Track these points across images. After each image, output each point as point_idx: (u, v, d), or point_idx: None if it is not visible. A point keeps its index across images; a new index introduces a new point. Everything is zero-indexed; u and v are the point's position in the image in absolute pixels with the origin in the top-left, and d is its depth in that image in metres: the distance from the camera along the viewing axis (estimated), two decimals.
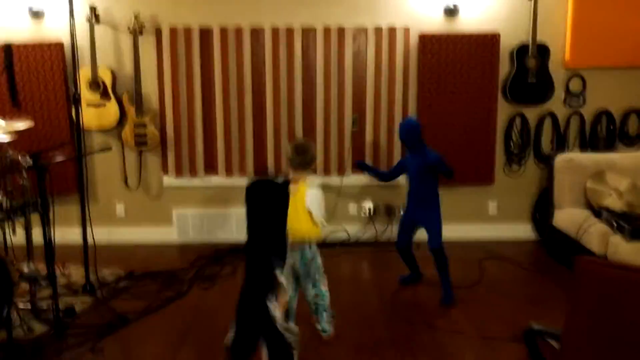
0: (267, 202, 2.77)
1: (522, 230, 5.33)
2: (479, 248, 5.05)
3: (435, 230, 3.94)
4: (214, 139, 5.17)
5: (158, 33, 5.01)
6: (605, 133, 5.15)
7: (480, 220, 5.33)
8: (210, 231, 5.31)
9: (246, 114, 5.12)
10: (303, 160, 3.27)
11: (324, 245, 5.13)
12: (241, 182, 5.13)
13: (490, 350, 3.27)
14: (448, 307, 3.85)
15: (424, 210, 3.99)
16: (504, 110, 5.15)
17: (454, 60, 5.05)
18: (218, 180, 5.24)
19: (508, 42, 5.02)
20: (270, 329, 2.62)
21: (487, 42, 5.02)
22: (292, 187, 2.98)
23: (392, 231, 5.29)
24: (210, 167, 5.22)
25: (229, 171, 5.21)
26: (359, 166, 4.54)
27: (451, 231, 5.25)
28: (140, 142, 5.06)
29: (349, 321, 3.64)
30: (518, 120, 5.17)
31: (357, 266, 4.84)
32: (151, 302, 3.95)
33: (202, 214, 5.27)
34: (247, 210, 2.77)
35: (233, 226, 5.30)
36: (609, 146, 5.14)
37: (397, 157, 5.16)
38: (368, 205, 5.29)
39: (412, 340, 3.41)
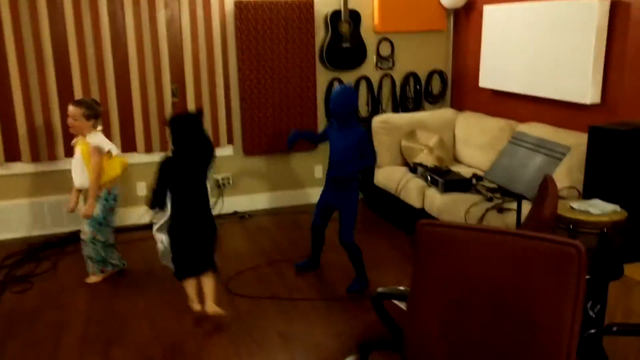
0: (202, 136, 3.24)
1: None
2: (309, 211, 5.17)
3: (349, 222, 3.60)
4: (12, 120, 4.55)
5: None
6: (413, 93, 5.55)
7: (309, 185, 5.47)
8: (19, 225, 4.72)
9: (50, 91, 4.57)
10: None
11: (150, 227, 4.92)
12: (50, 167, 4.68)
13: (333, 312, 3.40)
14: (356, 293, 3.63)
15: (342, 193, 3.63)
16: (322, 75, 5.28)
17: (271, 27, 5.01)
18: (23, 167, 4.66)
19: (322, 9, 5.12)
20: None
21: (302, 8, 5.06)
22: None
23: (222, 204, 5.20)
24: (12, 153, 4.61)
25: (34, 157, 4.64)
26: (292, 141, 3.87)
27: (282, 198, 5.38)
28: None
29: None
30: (336, 85, 5.34)
31: None
32: None
33: (5, 206, 4.66)
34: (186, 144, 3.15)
35: (46, 216, 4.78)
36: (417, 105, 5.56)
37: (222, 127, 5.03)
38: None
39: (257, 313, 3.41)
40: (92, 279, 3.91)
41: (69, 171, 3.95)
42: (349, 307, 3.45)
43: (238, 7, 4.89)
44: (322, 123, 5.38)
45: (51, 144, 4.67)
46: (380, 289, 2.06)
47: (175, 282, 3.44)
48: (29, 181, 4.71)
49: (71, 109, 3.73)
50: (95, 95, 4.66)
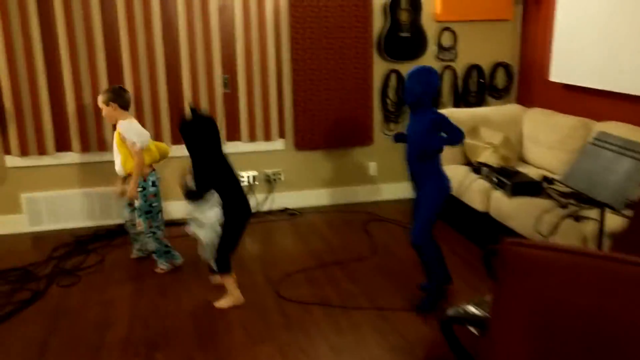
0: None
1: (403, 190, 5.29)
2: (363, 211, 4.95)
3: (421, 219, 3.17)
4: (64, 110, 4.48)
5: None
6: (477, 87, 5.20)
7: (362, 182, 5.21)
8: (68, 216, 4.67)
9: (100, 79, 4.48)
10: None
11: None
12: (100, 157, 4.60)
13: (386, 323, 3.15)
14: (422, 314, 3.22)
15: (421, 187, 3.22)
16: (379, 66, 5.01)
17: (326, 15, 4.77)
18: (73, 157, 4.59)
19: None
20: None
21: None
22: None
23: (273, 200, 5.02)
24: (63, 143, 4.55)
25: (84, 146, 4.57)
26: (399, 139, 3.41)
27: (334, 195, 5.15)
28: None
29: (238, 306, 3.35)
30: (393, 77, 5.06)
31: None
32: (1, 309, 3.35)
33: (56, 197, 4.61)
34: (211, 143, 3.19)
35: (95, 208, 4.71)
36: (480, 100, 5.21)
37: (274, 120, 4.83)
38: (248, 174, 4.93)
39: (306, 320, 3.20)
40: (161, 268, 3.87)
41: None
42: (407, 319, 3.18)
43: None
44: (377, 117, 5.11)
45: (101, 134, 4.58)
46: (450, 311, 1.81)
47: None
48: (78, 172, 4.65)
49: (99, 98, 3.79)
50: (145, 85, 4.55)
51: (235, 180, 3.30)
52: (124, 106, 3.78)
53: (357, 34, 4.86)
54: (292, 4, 4.69)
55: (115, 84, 4.27)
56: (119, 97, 3.74)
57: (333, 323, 3.17)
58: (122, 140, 3.71)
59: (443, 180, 3.20)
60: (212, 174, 3.22)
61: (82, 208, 4.69)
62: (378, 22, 4.91)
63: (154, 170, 3.84)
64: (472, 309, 1.80)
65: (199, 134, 3.20)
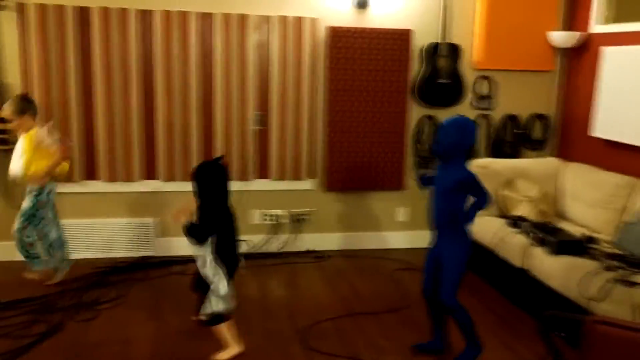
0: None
1: None
2: (391, 258, 4.79)
3: (449, 278, 3.04)
4: (94, 139, 4.42)
5: (21, 10, 4.16)
6: (512, 137, 5.09)
7: (391, 228, 5.07)
8: (88, 246, 4.56)
9: (132, 109, 4.43)
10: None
11: None
12: (125, 187, 4.52)
13: None
14: None
15: (445, 243, 3.08)
16: (414, 111, 4.92)
17: (363, 56, 4.72)
18: (98, 185, 4.51)
19: (419, 40, 4.79)
20: None
21: (399, 39, 4.74)
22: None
23: (299, 241, 4.89)
24: (91, 171, 4.48)
25: (112, 176, 4.49)
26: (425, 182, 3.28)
27: (361, 240, 5.01)
28: (2, 140, 4.21)
29: (261, 352, 3.19)
30: (428, 123, 4.96)
31: (263, 282, 4.34)
32: (17, 341, 3.22)
33: (79, 226, 4.51)
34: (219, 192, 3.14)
35: (116, 238, 4.60)
36: (514, 151, 5.09)
37: (304, 159, 4.74)
38: (275, 212, 4.82)
39: None
40: (28, 275, 4.05)
41: (144, 194, 4.14)
42: None
43: (331, 33, 4.63)
44: (409, 162, 5.00)
45: (129, 165, 4.50)
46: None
47: (242, 318, 3.12)
48: (103, 201, 4.56)
49: (7, 109, 3.82)
50: (177, 118, 4.49)
51: (233, 231, 3.20)
52: (36, 115, 3.87)
53: (394, 78, 4.80)
54: (329, 45, 4.65)
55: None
56: (32, 106, 3.85)
57: None
58: (37, 145, 3.78)
59: (468, 238, 3.07)
60: (217, 221, 3.10)
61: (103, 239, 4.59)
62: (415, 66, 4.85)
63: (54, 181, 3.94)
64: None
65: (211, 180, 3.12)
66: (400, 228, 5.09)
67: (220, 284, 3.04)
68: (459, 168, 2.99)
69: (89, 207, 4.54)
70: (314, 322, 3.60)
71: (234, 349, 3.13)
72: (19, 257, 4.01)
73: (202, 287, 3.14)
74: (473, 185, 2.97)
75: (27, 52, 4.21)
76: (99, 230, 4.58)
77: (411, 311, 3.78)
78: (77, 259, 4.43)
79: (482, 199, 2.99)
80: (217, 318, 3.08)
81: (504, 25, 4.84)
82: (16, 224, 3.89)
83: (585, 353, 1.39)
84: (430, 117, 4.95)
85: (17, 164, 3.86)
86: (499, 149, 5.08)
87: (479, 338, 3.12)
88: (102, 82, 4.35)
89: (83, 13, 4.25)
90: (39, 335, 3.31)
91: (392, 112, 4.85)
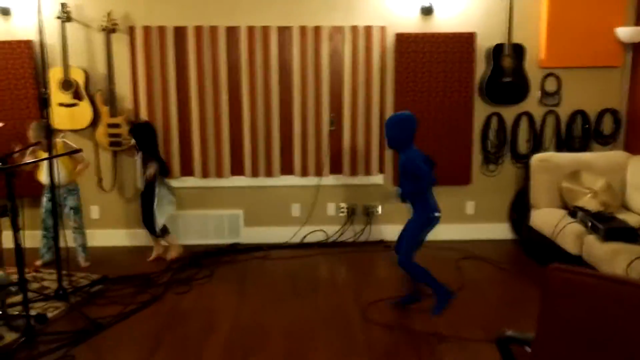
0: None
1: (499, 230, 5.36)
2: (456, 248, 5.06)
3: (405, 243, 3.70)
4: (189, 140, 5.10)
5: (131, 31, 4.92)
6: (581, 133, 5.18)
7: (458, 221, 5.34)
8: (186, 233, 5.24)
9: (222, 113, 5.06)
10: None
11: (302, 246, 5.16)
12: (217, 183, 5.16)
13: (465, 353, 3.27)
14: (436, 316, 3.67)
15: (412, 216, 3.76)
16: (480, 109, 5.17)
17: (430, 59, 5.04)
18: (194, 181, 5.18)
19: (484, 42, 5.04)
20: None
21: (463, 42, 5.02)
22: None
23: (370, 231, 5.29)
24: (186, 168, 5.15)
25: (205, 172, 5.15)
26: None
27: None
28: (114, 142, 4.98)
29: (327, 325, 3.62)
30: (494, 120, 5.19)
31: (334, 267, 4.80)
32: (125, 307, 3.89)
33: (177, 216, 5.20)
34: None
35: (210, 228, 5.24)
36: (584, 145, 5.18)
37: (374, 156, 5.14)
38: (346, 205, 5.26)
39: (389, 343, 3.40)
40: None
41: (233, 188, 4.78)
42: (487, 351, 3.28)
43: (399, 39, 5.01)
44: (477, 158, 5.24)
45: (220, 163, 5.13)
46: (509, 332, 1.96)
47: (313, 297, 3.57)
48: (197, 195, 5.22)
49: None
50: (260, 121, 5.06)
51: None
52: None
53: (460, 78, 5.07)
54: (397, 50, 5.02)
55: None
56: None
57: (414, 348, 3.34)
58: (66, 152, 4.36)
59: (427, 211, 3.63)
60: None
61: (198, 227, 5.25)
62: (481, 67, 5.10)
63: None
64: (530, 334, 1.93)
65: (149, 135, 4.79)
66: (466, 221, 5.34)
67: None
68: (405, 155, 3.59)
69: (186, 200, 5.22)
70: (375, 299, 3.99)
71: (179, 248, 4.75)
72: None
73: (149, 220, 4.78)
74: (411, 168, 3.54)
75: (135, 66, 4.96)
76: (194, 220, 5.24)
77: (466, 293, 4.06)
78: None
79: (421, 180, 3.54)
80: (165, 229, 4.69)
81: (569, 23, 4.96)
82: (77, 224, 4.76)
83: (545, 300, 1.70)
84: (497, 114, 5.17)
85: (60, 171, 4.35)
86: (568, 144, 5.19)
87: (445, 287, 3.70)
88: (196, 90, 5.02)
89: (180, 31, 4.94)
90: (143, 303, 3.97)
91: (459, 110, 5.12)
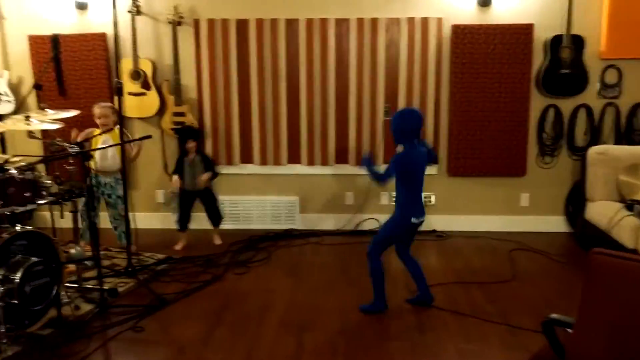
0: None
1: (554, 223, 5.33)
2: (509, 239, 5.08)
3: (377, 235, 3.74)
4: (249, 128, 5.31)
5: (196, 24, 5.17)
6: None
7: (512, 212, 5.34)
8: (246, 218, 5.47)
9: (281, 104, 5.25)
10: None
11: (355, 233, 5.30)
12: (275, 170, 5.36)
13: (514, 338, 3.34)
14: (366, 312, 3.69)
15: None
16: (537, 101, 5.15)
17: (487, 51, 5.06)
18: (253, 168, 5.40)
19: (541, 33, 5.01)
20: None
21: (521, 33, 5.01)
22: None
23: None
24: (246, 156, 5.38)
25: (263, 160, 5.36)
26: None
27: (482, 223, 5.35)
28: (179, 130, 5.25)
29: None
30: (551, 112, 5.16)
31: (386, 254, 4.89)
32: (188, 285, 4.14)
33: (237, 201, 5.43)
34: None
35: (267, 213, 5.46)
36: None
37: (429, 145, 5.21)
38: None
39: (438, 325, 3.50)
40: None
41: (290, 176, 4.87)
42: (535, 338, 3.33)
43: (455, 31, 5.05)
44: (533, 150, 5.23)
45: (278, 151, 5.33)
46: (553, 315, 2.04)
47: (363, 282, 3.71)
48: (256, 182, 5.44)
49: (103, 110, 4.59)
50: (317, 111, 5.22)
51: None
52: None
53: (517, 69, 5.07)
54: (453, 42, 5.06)
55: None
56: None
57: (463, 331, 3.43)
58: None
59: (406, 213, 3.60)
60: None
61: (256, 213, 5.47)
62: (538, 58, 5.07)
63: None
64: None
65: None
66: (523, 212, 5.34)
67: None
68: (404, 149, 3.57)
69: (246, 186, 5.44)
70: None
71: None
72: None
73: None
74: (391, 162, 3.57)
75: (200, 57, 5.20)
76: (253, 205, 5.47)
77: (518, 283, 4.10)
78: (235, 229, 5.38)
79: (381, 176, 3.63)
80: None
81: (631, 13, 4.88)
82: (122, 210, 4.48)
83: (587, 282, 1.78)
84: (554, 106, 5.14)
85: (115, 158, 4.56)
86: (628, 137, 5.11)
87: (385, 298, 3.68)
88: (256, 81, 5.22)
89: (242, 24, 5.15)
90: (204, 282, 4.21)
91: (515, 102, 5.12)
